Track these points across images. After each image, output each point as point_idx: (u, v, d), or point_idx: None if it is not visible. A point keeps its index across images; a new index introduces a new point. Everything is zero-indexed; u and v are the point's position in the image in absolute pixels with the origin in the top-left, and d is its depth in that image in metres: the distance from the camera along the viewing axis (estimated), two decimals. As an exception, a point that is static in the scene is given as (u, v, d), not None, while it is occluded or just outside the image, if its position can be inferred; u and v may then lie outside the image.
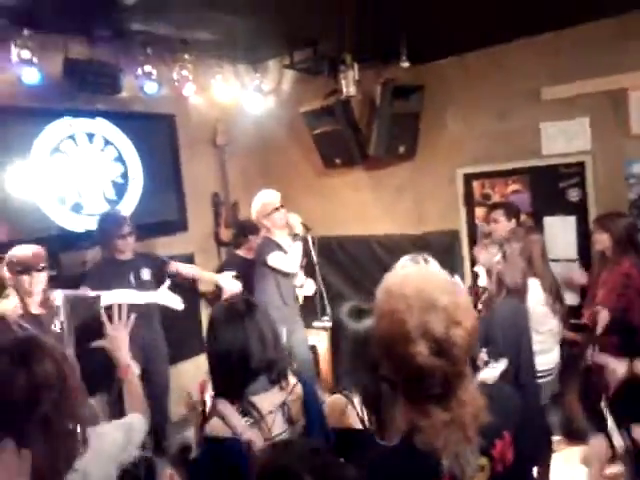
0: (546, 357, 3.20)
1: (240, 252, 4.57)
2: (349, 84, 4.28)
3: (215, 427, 1.56)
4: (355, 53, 4.23)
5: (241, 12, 3.53)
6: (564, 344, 3.47)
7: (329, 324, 3.88)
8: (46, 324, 2.92)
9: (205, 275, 4.23)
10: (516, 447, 1.24)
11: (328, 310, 4.06)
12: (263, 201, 3.98)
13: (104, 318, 1.93)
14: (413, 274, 1.24)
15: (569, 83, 3.91)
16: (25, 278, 2.87)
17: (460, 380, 1.14)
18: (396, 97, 4.41)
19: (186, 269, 4.06)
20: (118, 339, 1.89)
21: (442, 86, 4.53)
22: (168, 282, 3.67)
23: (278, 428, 1.70)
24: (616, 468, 3.53)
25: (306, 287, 4.19)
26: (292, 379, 1.79)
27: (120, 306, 1.95)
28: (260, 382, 1.70)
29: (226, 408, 1.58)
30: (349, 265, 5.22)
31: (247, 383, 1.69)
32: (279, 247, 3.95)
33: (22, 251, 2.93)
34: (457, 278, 3.18)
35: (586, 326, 3.55)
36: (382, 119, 4.44)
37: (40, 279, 2.93)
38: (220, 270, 4.54)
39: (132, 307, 2.03)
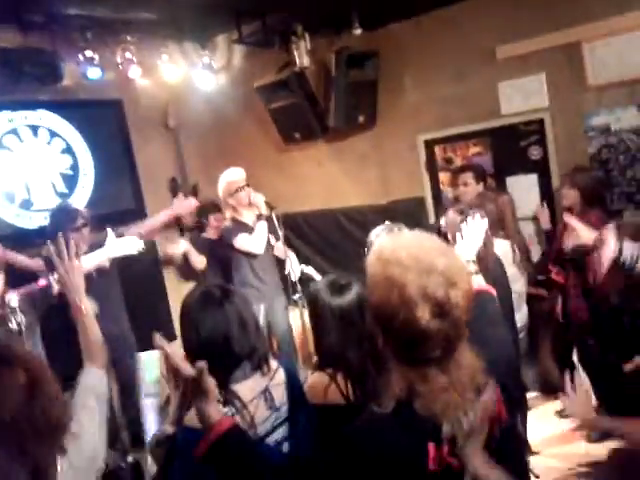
0: (517, 315, 3.23)
1: (206, 234, 4.48)
2: (302, 55, 4.17)
3: (194, 419, 1.49)
4: (306, 23, 4.10)
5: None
6: (534, 301, 3.52)
7: (300, 299, 3.86)
8: (5, 325, 2.77)
9: (162, 216, 3.93)
10: (505, 403, 1.25)
11: (298, 287, 3.99)
12: (227, 180, 3.93)
13: (52, 256, 1.76)
14: (404, 239, 1.21)
15: (523, 40, 3.88)
16: None
17: (459, 342, 1.13)
18: (351, 66, 4.30)
19: (146, 226, 3.83)
20: (68, 274, 1.75)
21: (397, 51, 4.44)
22: (111, 232, 3.26)
23: (261, 415, 1.64)
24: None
25: (293, 270, 4.02)
26: (274, 363, 1.73)
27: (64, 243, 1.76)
28: (242, 369, 1.64)
29: None
30: (317, 240, 5.16)
31: (231, 370, 1.62)
32: (246, 227, 3.89)
33: None
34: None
35: (553, 281, 3.59)
36: (339, 89, 4.33)
37: None
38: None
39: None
